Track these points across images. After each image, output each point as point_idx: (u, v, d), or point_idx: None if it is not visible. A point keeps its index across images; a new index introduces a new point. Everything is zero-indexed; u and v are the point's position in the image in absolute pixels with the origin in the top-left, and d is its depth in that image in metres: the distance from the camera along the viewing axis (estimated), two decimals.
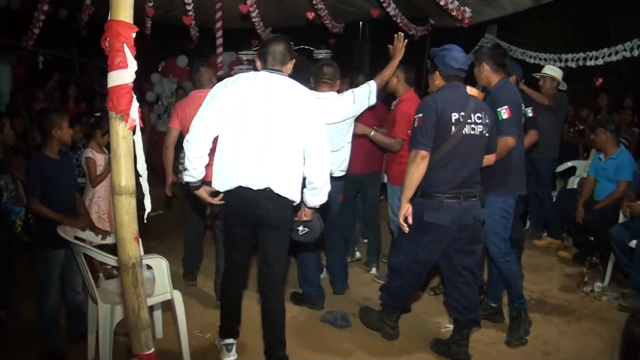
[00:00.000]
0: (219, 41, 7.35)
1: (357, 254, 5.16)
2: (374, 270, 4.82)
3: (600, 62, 5.92)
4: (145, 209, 2.06)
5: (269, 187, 2.88)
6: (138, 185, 1.96)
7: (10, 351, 3.47)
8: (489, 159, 3.31)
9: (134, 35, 1.88)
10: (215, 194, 3.09)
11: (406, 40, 3.93)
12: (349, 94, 3.79)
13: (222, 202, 3.06)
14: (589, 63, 6.03)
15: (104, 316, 3.05)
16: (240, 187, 2.90)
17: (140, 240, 2.00)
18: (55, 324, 3.35)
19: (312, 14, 7.18)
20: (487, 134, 3.15)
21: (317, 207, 3.07)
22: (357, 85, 3.97)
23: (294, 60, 3.06)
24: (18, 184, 3.78)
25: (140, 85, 9.36)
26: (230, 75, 3.22)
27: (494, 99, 3.46)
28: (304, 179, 2.99)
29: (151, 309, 3.37)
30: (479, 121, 3.10)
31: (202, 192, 3.11)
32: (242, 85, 2.90)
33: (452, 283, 3.33)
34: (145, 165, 2.01)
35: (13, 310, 3.84)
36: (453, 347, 3.34)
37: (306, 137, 2.90)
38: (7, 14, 7.30)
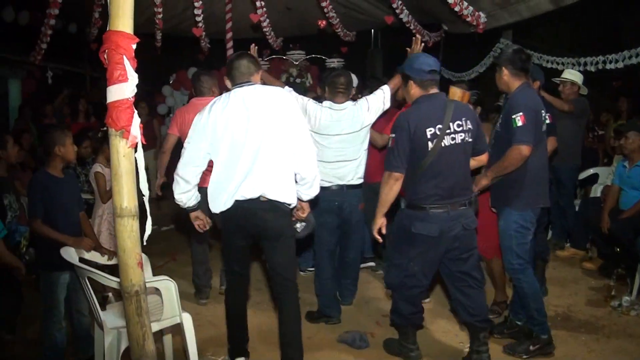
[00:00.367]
0: (230, 52, 7.27)
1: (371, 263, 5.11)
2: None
3: (620, 65, 5.72)
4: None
5: (262, 194, 2.91)
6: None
7: None
8: (481, 160, 3.25)
9: (134, 46, 1.76)
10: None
11: (423, 44, 3.89)
12: (363, 102, 3.82)
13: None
14: (608, 66, 5.82)
15: (110, 343, 2.92)
16: (236, 200, 2.93)
17: (146, 261, 1.88)
18: (60, 350, 3.22)
19: (324, 22, 7.10)
20: (470, 139, 3.09)
21: (312, 198, 3.15)
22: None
23: (261, 71, 3.12)
24: (22, 203, 3.68)
25: (152, 98, 9.37)
26: None
27: (510, 105, 3.30)
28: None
29: (160, 332, 3.23)
30: (459, 129, 3.04)
31: (200, 214, 3.18)
32: (219, 109, 2.93)
33: (456, 288, 3.27)
34: (147, 185, 1.90)
35: (18, 334, 3.73)
36: (474, 356, 3.24)
37: (290, 135, 2.94)
38: (16, 29, 7.34)
